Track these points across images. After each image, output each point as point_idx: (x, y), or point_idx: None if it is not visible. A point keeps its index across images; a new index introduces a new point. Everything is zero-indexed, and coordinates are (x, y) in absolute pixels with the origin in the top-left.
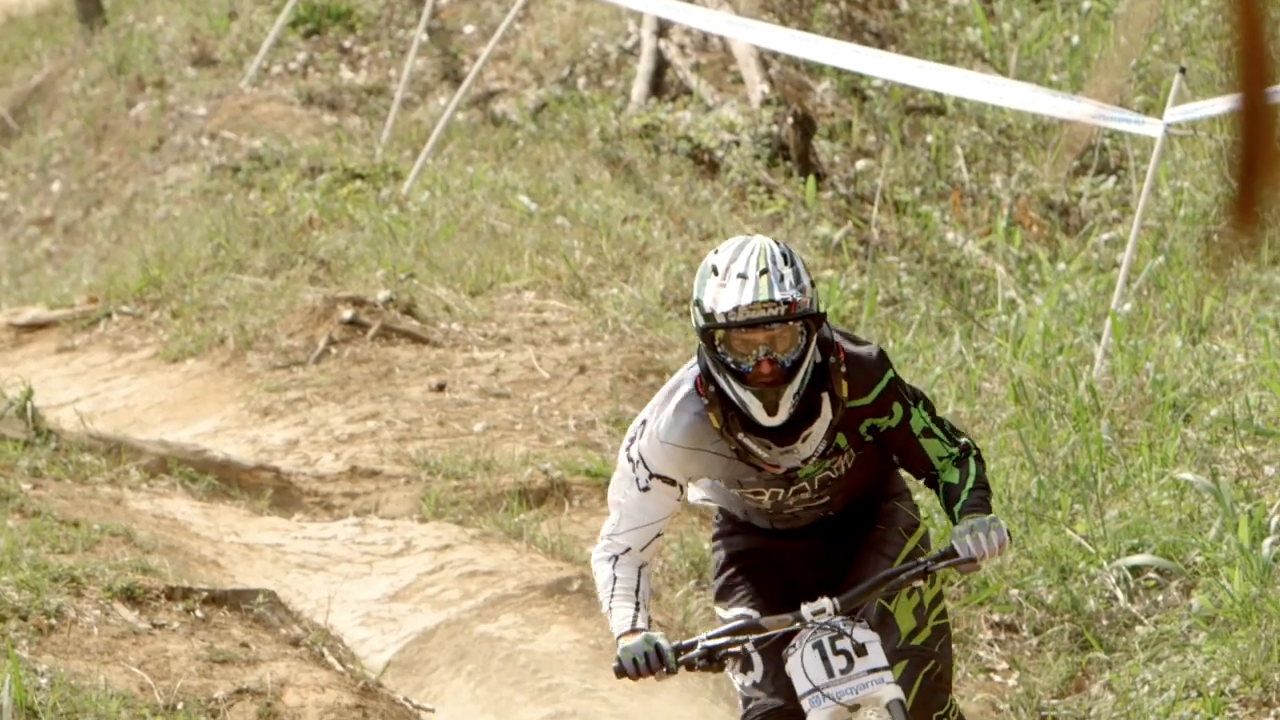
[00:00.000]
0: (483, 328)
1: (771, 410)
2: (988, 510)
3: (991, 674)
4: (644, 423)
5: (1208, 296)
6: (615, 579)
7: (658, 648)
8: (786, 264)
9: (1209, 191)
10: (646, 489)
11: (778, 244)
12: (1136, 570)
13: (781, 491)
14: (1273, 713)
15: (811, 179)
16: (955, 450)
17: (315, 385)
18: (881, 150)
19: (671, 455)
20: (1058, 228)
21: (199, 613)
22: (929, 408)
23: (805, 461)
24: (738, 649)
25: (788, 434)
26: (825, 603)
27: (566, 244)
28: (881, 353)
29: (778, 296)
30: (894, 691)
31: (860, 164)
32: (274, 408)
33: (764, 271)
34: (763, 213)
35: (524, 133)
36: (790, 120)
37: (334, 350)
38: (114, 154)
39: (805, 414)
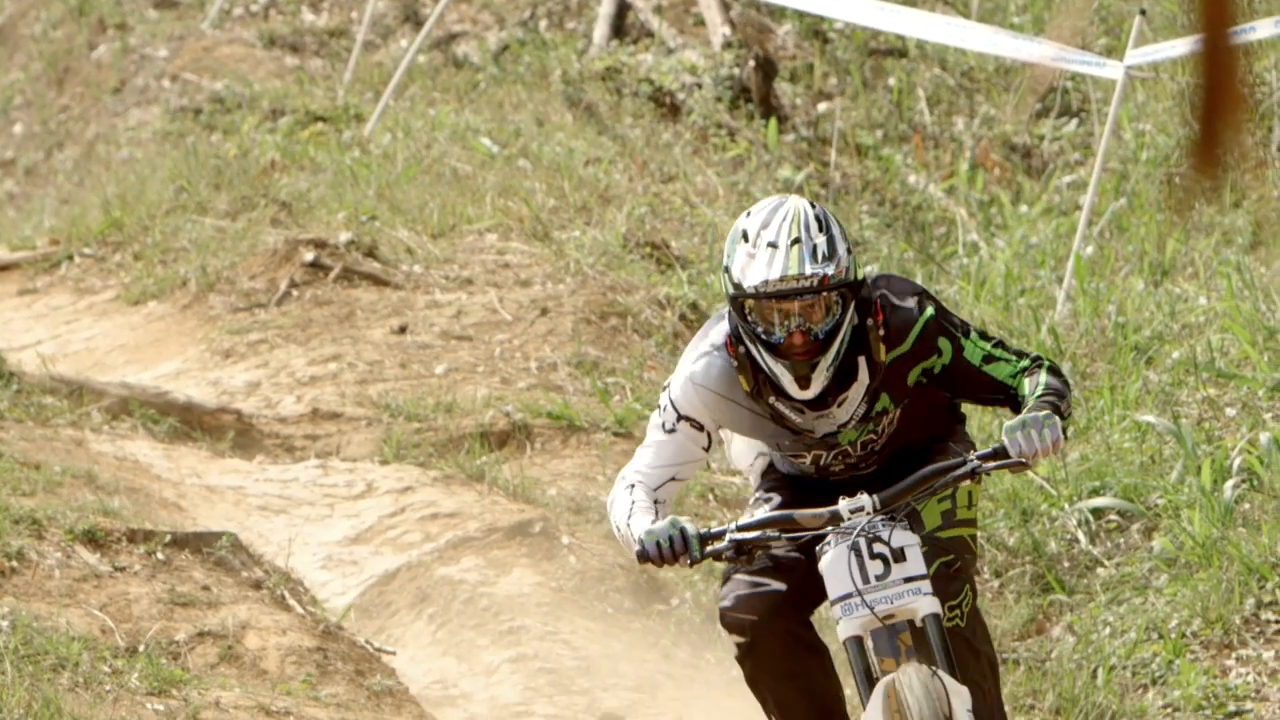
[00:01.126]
0: (444, 270)
1: (804, 383)
2: (1050, 410)
3: None
4: (679, 369)
5: (1170, 239)
6: (633, 502)
7: (683, 532)
8: (820, 230)
9: (1171, 134)
10: (672, 430)
11: (813, 206)
12: (1098, 512)
13: (823, 454)
14: (1234, 655)
15: (773, 122)
16: (1025, 363)
17: (277, 327)
18: (843, 93)
19: (703, 398)
20: (1019, 170)
21: (160, 555)
22: (981, 333)
23: (843, 426)
24: (767, 543)
25: (821, 400)
26: (864, 499)
27: (528, 186)
28: (921, 295)
29: (809, 270)
30: (931, 604)
31: (822, 107)
32: (235, 350)
33: (796, 241)
34: (724, 155)
35: (486, 75)
36: (752, 63)
37: (295, 292)
38: (76, 96)
39: (840, 379)
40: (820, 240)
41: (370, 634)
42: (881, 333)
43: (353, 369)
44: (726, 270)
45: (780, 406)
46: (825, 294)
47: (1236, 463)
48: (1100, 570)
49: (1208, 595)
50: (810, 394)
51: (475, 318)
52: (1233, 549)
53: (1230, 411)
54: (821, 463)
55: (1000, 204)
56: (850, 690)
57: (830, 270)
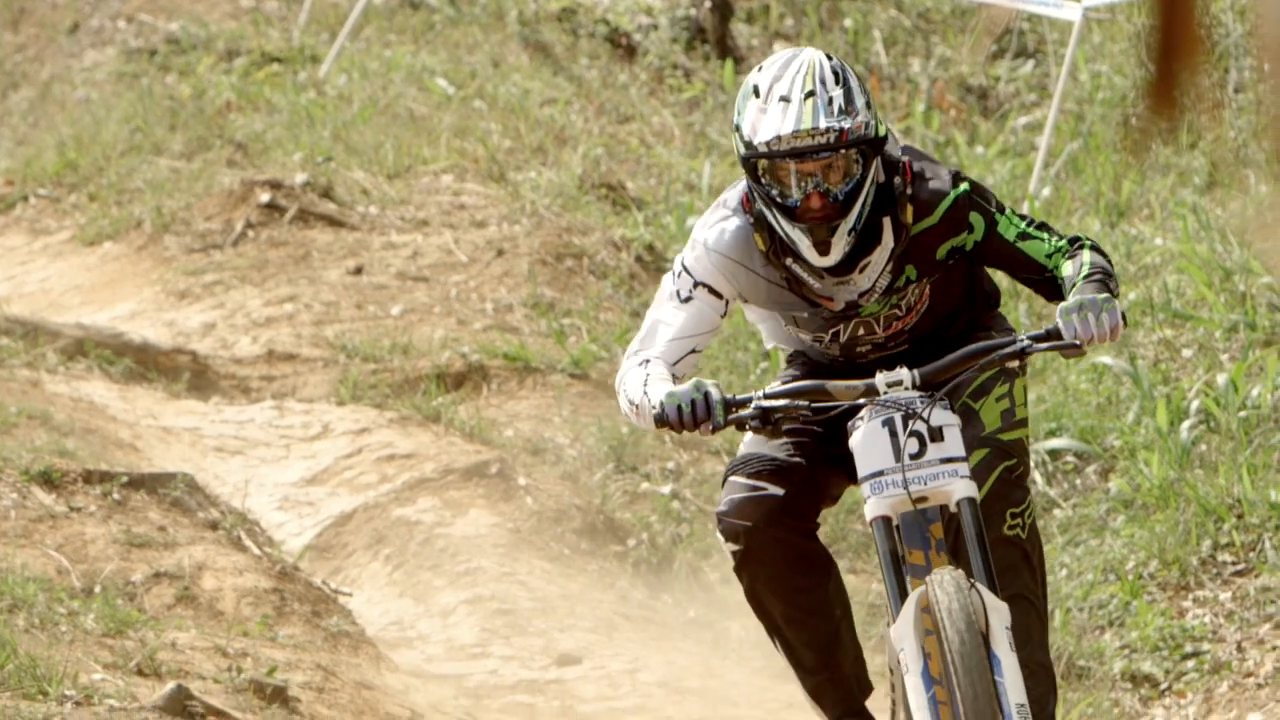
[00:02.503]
0: (400, 211)
1: (823, 249)
2: (1105, 291)
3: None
4: (691, 240)
5: (1126, 180)
6: (648, 374)
7: (707, 396)
8: (837, 83)
9: (1127, 75)
10: (689, 299)
11: (829, 58)
12: (1055, 454)
13: (843, 328)
14: (1191, 596)
15: (729, 63)
16: (1064, 243)
17: (232, 268)
18: (799, 34)
19: (720, 265)
20: (975, 111)
21: (116, 496)
22: (1016, 211)
23: (865, 295)
24: (796, 413)
25: (842, 265)
26: (903, 373)
27: (484, 127)
28: (955, 173)
29: (824, 124)
30: (967, 488)
31: (778, 47)
32: (191, 291)
33: (810, 94)
34: (680, 96)
35: (442, 16)
36: (708, 4)
37: (251, 233)
38: (30, 36)
39: (863, 242)
40: (837, 93)
41: (327, 575)
42: (909, 191)
43: (309, 310)
44: (736, 129)
45: (798, 269)
46: (844, 151)
47: (1193, 404)
48: (1057, 512)
49: (1164, 537)
50: (830, 261)
51: (431, 259)
52: (1190, 490)
53: (1187, 353)
54: (843, 338)
55: (956, 145)
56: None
57: (848, 124)
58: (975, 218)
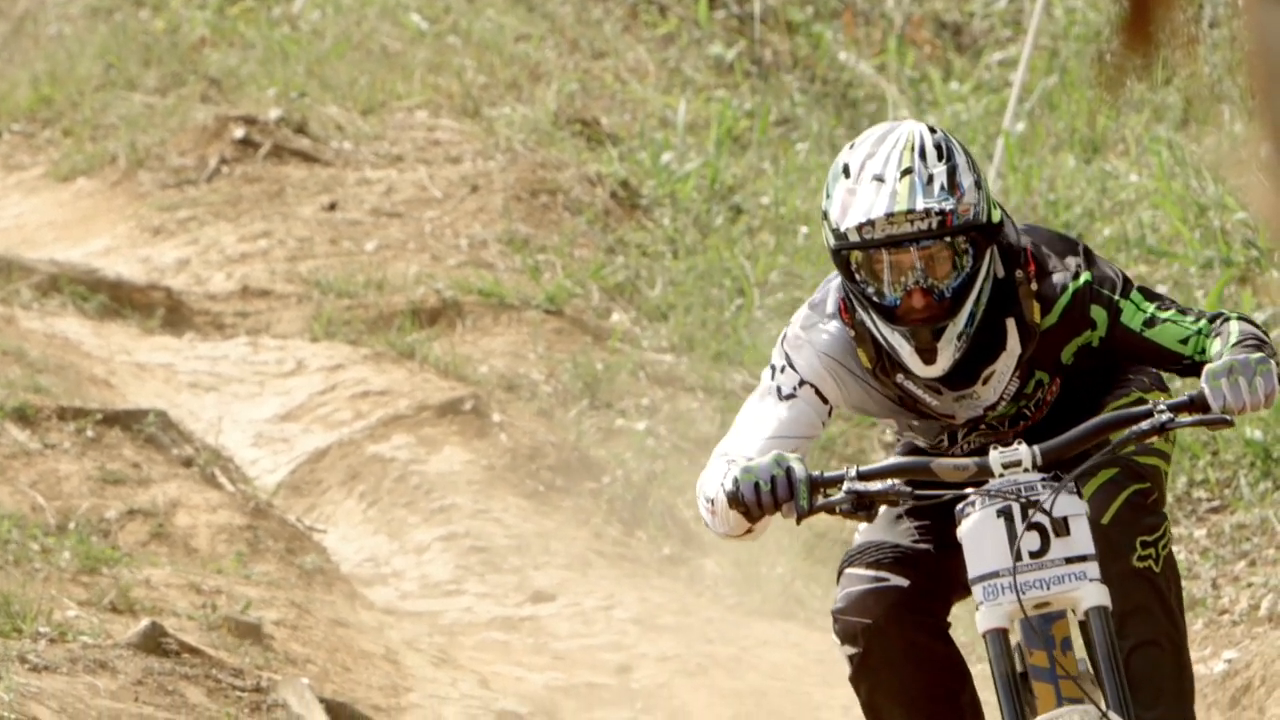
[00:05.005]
0: (374, 147)
1: (928, 357)
2: (1259, 352)
3: None
4: (786, 335)
5: (1100, 116)
6: (730, 463)
7: (789, 472)
8: (941, 158)
9: (1101, 10)
10: (792, 396)
11: (933, 130)
12: None
13: (965, 442)
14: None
15: None
16: (1203, 324)
17: (207, 204)
18: None
19: (829, 367)
20: (950, 47)
21: (90, 433)
22: (1145, 291)
23: (990, 409)
24: (894, 498)
25: (962, 375)
26: (1021, 451)
27: (458, 63)
28: (1078, 249)
29: (921, 205)
30: (1097, 593)
31: None
32: (165, 227)
33: (907, 171)
34: (655, 32)
35: None
36: None
37: (225, 169)
38: None
39: (983, 349)
40: (940, 170)
41: (301, 512)
42: (1035, 285)
43: (283, 246)
44: (825, 215)
45: (910, 386)
46: (949, 239)
47: None
48: None
49: None
50: (937, 370)
51: (405, 195)
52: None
53: (1162, 289)
54: (968, 445)
55: (931, 81)
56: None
57: (952, 205)
58: (1097, 312)
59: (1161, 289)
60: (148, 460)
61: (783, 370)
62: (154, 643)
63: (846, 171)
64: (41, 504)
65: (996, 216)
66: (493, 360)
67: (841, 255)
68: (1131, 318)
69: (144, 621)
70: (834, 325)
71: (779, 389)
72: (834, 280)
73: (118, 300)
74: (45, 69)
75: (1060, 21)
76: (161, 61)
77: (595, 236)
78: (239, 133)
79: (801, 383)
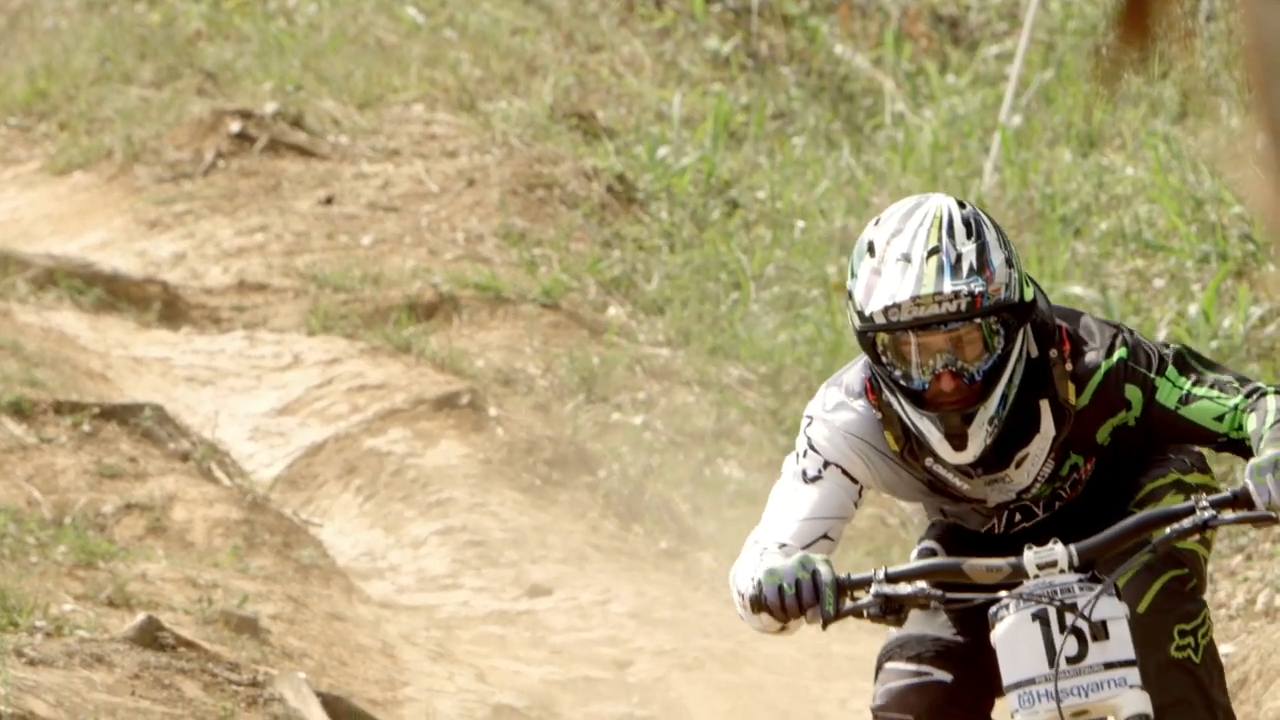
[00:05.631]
0: (371, 141)
1: (958, 443)
2: None
3: None
4: (809, 418)
5: (1097, 110)
6: (763, 554)
7: (815, 575)
8: (970, 236)
9: (1098, 3)
10: (817, 478)
11: (962, 205)
12: None
13: (997, 520)
14: None
15: None
16: (1239, 399)
17: (203, 198)
18: None
19: (854, 446)
20: (946, 41)
21: (87, 427)
22: (1182, 363)
23: (1023, 493)
24: (924, 601)
25: (994, 460)
26: (1058, 550)
27: (454, 56)
28: (1115, 334)
29: (950, 288)
30: (1139, 701)
31: None
32: (161, 221)
33: (935, 250)
34: (651, 25)
35: None
36: None
37: (221, 163)
38: None
39: (1016, 431)
40: (969, 248)
41: (297, 506)
42: (1069, 367)
43: (279, 240)
44: (849, 295)
45: (939, 470)
46: (979, 320)
47: (1164, 334)
48: None
49: None
50: (968, 457)
51: (402, 189)
52: None
53: (1158, 283)
54: (997, 527)
55: (927, 75)
56: None
57: (981, 286)
58: (1132, 391)
59: (1158, 283)
60: (144, 454)
61: (805, 454)
62: (150, 637)
63: (871, 249)
64: (38, 498)
65: (1029, 294)
66: (489, 354)
67: (867, 337)
68: (1167, 396)
69: (140, 615)
70: (859, 405)
71: (804, 472)
72: (860, 359)
73: (114, 294)
74: (41, 62)
75: (1057, 15)
76: (157, 55)
77: (591, 230)
78: (235, 126)
79: (826, 464)
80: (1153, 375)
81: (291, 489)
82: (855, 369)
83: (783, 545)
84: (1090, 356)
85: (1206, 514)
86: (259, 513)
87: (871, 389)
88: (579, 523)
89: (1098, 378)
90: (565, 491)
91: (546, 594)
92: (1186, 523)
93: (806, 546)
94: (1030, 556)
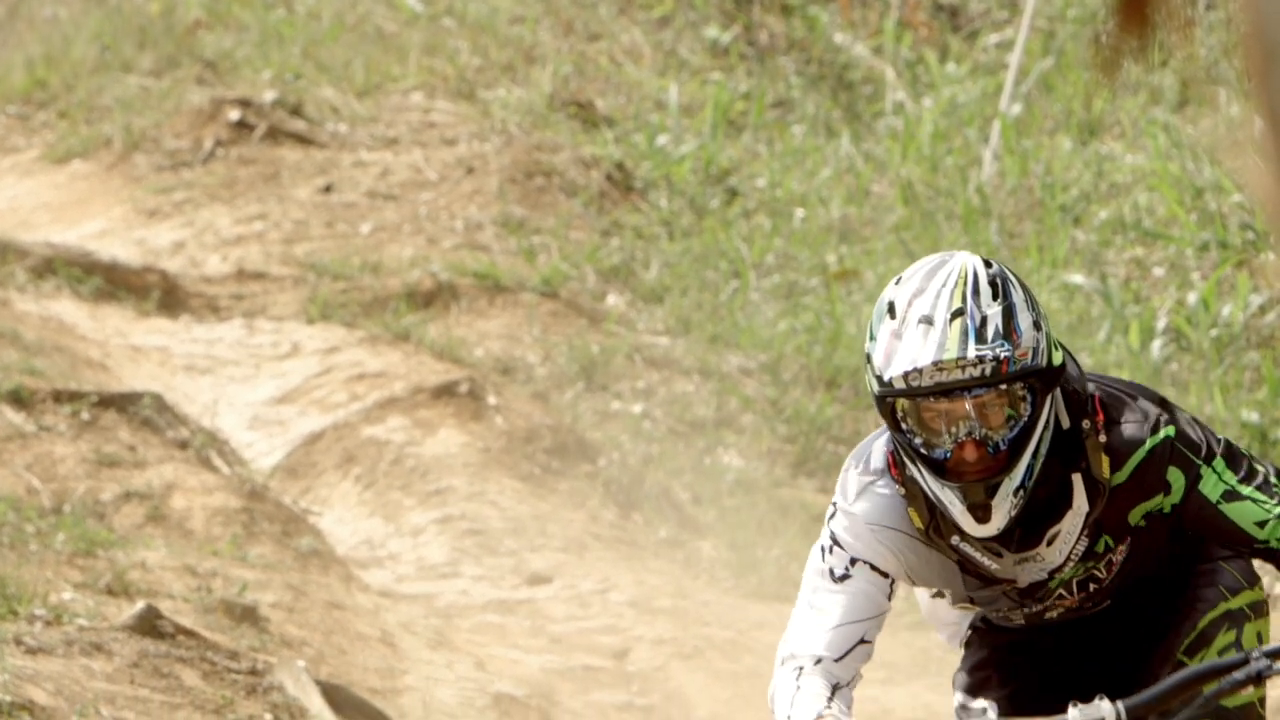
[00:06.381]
0: (370, 129)
1: (981, 515)
2: None
3: None
4: (833, 508)
5: (1097, 98)
6: (799, 688)
7: None
8: (995, 297)
9: None
10: (845, 577)
11: (987, 264)
12: None
13: (1030, 604)
14: None
15: None
16: None
17: (202, 186)
18: None
19: (880, 536)
20: (946, 29)
21: (86, 415)
22: (1231, 454)
23: (1055, 572)
24: None
25: (1024, 536)
26: (1105, 708)
27: (453, 45)
28: (1160, 406)
29: (975, 352)
30: None
31: None
32: (160, 209)
33: (958, 313)
34: (650, 14)
35: None
36: None
37: (221, 152)
38: None
39: (1048, 506)
40: (994, 310)
41: (296, 495)
42: (1103, 437)
43: (278, 228)
44: (868, 359)
45: (967, 549)
46: (1005, 386)
47: (1163, 323)
48: None
49: None
50: (991, 529)
51: (401, 177)
52: None
53: (1158, 271)
54: (1031, 610)
55: (927, 63)
56: None
57: (1007, 351)
58: (1174, 475)
59: (1158, 272)
60: (143, 443)
61: (831, 550)
62: (149, 625)
63: (892, 311)
64: (37, 486)
65: (1058, 359)
66: (488, 343)
67: (886, 402)
68: (1211, 487)
69: (139, 604)
70: (881, 485)
71: (831, 571)
72: (878, 438)
73: (113, 283)
74: (40, 52)
75: (1057, 3)
76: (156, 44)
77: (590, 219)
78: (234, 115)
79: (853, 560)
80: (1199, 461)
81: (290, 477)
82: (879, 442)
83: (818, 660)
84: (1129, 429)
85: (1260, 664)
86: (258, 501)
87: (894, 463)
88: (578, 511)
89: (1140, 454)
90: (564, 480)
91: (546, 583)
92: (1239, 675)
93: (843, 656)
94: (1075, 714)
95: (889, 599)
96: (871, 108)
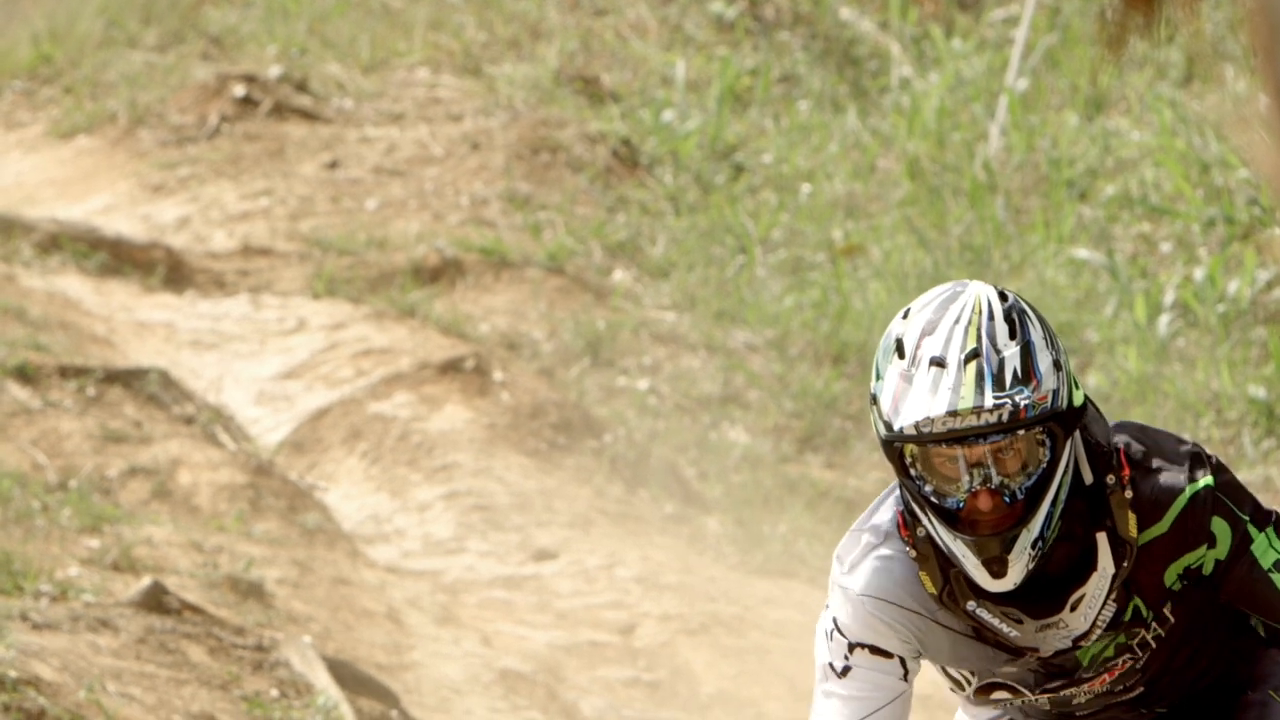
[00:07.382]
0: (375, 105)
1: (996, 569)
2: None
3: None
4: (831, 584)
5: (1103, 73)
6: None
7: None
8: (1013, 335)
9: None
10: (846, 669)
11: (1003, 297)
12: None
13: (1057, 680)
14: None
15: None
16: None
17: (207, 162)
18: None
19: (883, 614)
20: (952, 4)
21: (91, 391)
22: None
23: (1080, 641)
24: None
25: (1045, 599)
26: None
27: (459, 20)
28: (1194, 456)
29: (991, 401)
30: None
31: None
32: (166, 185)
33: (973, 355)
34: None
35: None
36: None
37: (226, 127)
38: None
39: (1072, 568)
40: (1011, 352)
41: (302, 470)
42: (1129, 492)
43: (284, 204)
44: (874, 401)
45: (984, 615)
46: (1024, 431)
47: (1170, 299)
48: None
49: None
50: (1007, 584)
51: (406, 153)
52: (1167, 385)
53: (1164, 247)
54: (1058, 693)
55: (933, 38)
56: None
57: (1026, 397)
58: (1220, 526)
59: (1165, 247)
60: (149, 418)
61: (831, 636)
62: (156, 601)
63: (900, 349)
64: (43, 462)
65: (1079, 399)
66: (494, 318)
67: (894, 447)
68: (1264, 552)
69: (145, 580)
70: (887, 549)
71: (831, 665)
72: (886, 498)
73: (118, 258)
74: (45, 27)
75: None
76: (162, 19)
77: (596, 194)
78: (239, 91)
79: (851, 647)
80: (1246, 519)
81: (296, 453)
82: (887, 503)
83: None
84: (1165, 477)
85: None
86: (264, 477)
87: (904, 525)
88: (584, 487)
89: (1181, 502)
90: (570, 456)
91: (552, 558)
92: None
93: None
94: None
95: (904, 679)
96: (877, 83)
